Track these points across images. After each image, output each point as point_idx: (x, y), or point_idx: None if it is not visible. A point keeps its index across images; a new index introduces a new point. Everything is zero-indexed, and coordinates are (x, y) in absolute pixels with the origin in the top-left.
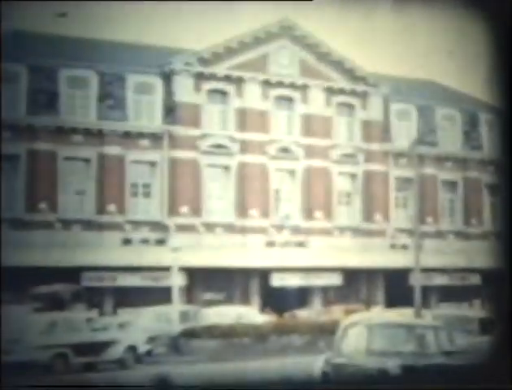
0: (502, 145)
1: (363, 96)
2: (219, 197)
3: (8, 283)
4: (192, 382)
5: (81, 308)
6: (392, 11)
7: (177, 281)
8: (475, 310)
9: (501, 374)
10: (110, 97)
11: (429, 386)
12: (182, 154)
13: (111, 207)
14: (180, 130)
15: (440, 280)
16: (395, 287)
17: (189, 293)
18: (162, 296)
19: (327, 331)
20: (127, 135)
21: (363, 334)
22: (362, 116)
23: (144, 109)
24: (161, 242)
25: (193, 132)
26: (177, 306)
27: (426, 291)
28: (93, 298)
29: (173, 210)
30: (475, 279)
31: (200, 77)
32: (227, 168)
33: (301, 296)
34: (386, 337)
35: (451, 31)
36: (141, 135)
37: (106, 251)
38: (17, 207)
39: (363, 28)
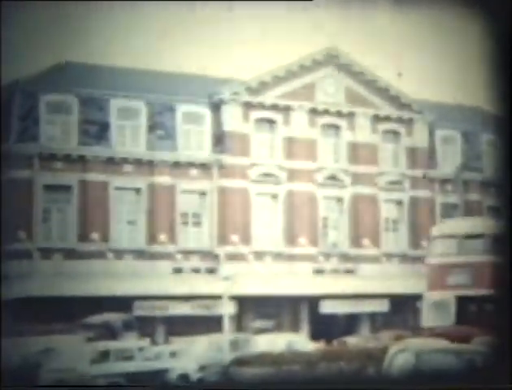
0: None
1: (409, 123)
2: (267, 225)
3: (60, 313)
4: None
5: (133, 337)
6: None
7: (228, 309)
8: None
9: (501, 374)
10: (160, 127)
11: (429, 386)
12: (231, 183)
13: (162, 237)
14: (229, 159)
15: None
16: None
17: (239, 321)
18: (212, 324)
19: (375, 358)
20: (177, 165)
21: (411, 360)
22: (407, 143)
23: (193, 138)
24: (211, 271)
25: (242, 161)
26: (228, 334)
27: None
28: (145, 327)
29: (223, 239)
30: None
31: (248, 106)
32: (275, 196)
33: (350, 323)
34: (434, 363)
35: (451, 31)
36: (190, 164)
37: (158, 280)
38: (69, 237)
39: (364, 29)
